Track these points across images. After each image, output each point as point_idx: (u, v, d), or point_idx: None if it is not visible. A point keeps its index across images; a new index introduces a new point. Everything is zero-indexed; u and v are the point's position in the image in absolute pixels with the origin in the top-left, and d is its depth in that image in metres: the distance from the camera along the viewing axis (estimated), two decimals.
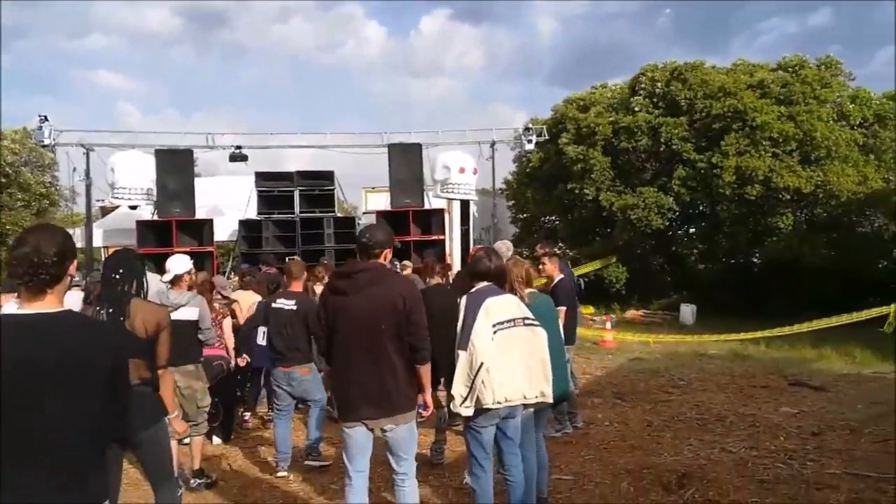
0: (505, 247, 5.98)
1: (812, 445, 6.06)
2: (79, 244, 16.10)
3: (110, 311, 3.35)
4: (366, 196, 17.51)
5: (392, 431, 3.51)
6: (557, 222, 23.61)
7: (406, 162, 13.02)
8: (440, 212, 13.04)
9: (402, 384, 3.49)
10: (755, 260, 20.57)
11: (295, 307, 5.38)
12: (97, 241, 14.58)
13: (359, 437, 3.55)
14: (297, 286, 5.64)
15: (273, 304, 5.51)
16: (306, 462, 5.43)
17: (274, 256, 10.67)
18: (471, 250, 9.86)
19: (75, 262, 2.05)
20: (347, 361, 3.51)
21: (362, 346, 3.46)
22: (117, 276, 3.48)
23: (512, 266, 4.36)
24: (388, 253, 3.67)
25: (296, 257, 9.09)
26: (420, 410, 3.65)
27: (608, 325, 14.24)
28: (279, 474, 5.32)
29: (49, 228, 2.03)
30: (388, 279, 3.58)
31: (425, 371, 3.56)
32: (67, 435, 1.84)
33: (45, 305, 1.92)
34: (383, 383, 3.45)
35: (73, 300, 4.04)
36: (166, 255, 5.75)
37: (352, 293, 3.49)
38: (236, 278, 9.08)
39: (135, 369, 2.75)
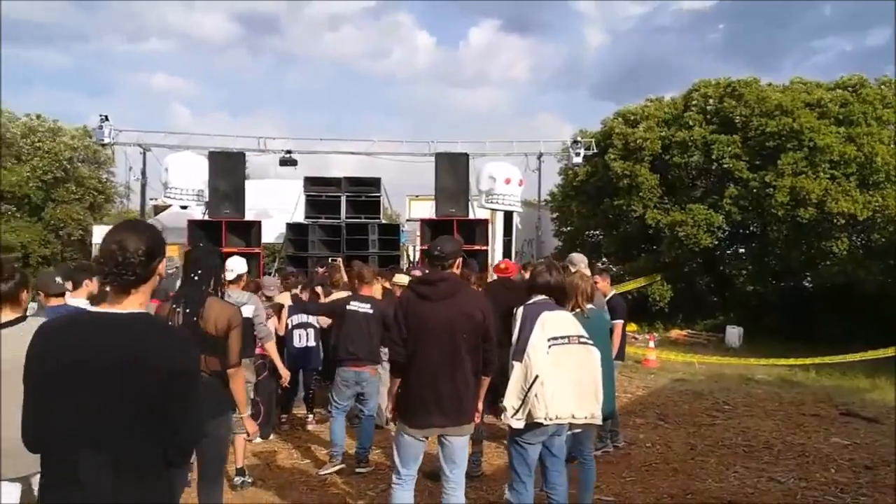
0: (579, 258, 6.00)
1: (865, 479, 5.85)
2: None
3: (187, 310, 3.42)
4: (409, 204, 17.61)
5: (454, 440, 3.58)
6: (602, 237, 23.30)
7: (452, 171, 13.05)
8: (484, 222, 13.01)
9: (471, 394, 3.58)
10: (807, 284, 19.93)
11: (371, 310, 5.61)
12: None
13: (416, 443, 3.64)
14: (368, 290, 5.84)
15: (349, 307, 5.68)
16: (357, 469, 5.58)
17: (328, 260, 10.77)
18: (496, 262, 9.86)
19: (164, 261, 1.99)
20: (424, 367, 3.55)
21: (441, 354, 3.51)
22: (196, 276, 3.55)
23: (578, 280, 4.35)
24: (458, 263, 3.78)
25: (338, 261, 9.16)
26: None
27: (651, 343, 13.98)
28: (330, 470, 5.52)
29: (137, 225, 1.97)
30: (466, 290, 3.68)
31: (486, 381, 3.68)
32: (121, 437, 1.78)
33: (126, 306, 1.88)
34: (457, 392, 3.52)
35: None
36: (222, 256, 5.95)
37: (434, 300, 3.58)
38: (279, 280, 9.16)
39: (204, 363, 2.78)
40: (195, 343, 2.10)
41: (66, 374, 1.80)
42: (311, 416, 7.24)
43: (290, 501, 5.02)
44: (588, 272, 5.39)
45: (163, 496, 1.88)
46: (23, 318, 3.29)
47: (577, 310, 4.25)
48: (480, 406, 3.72)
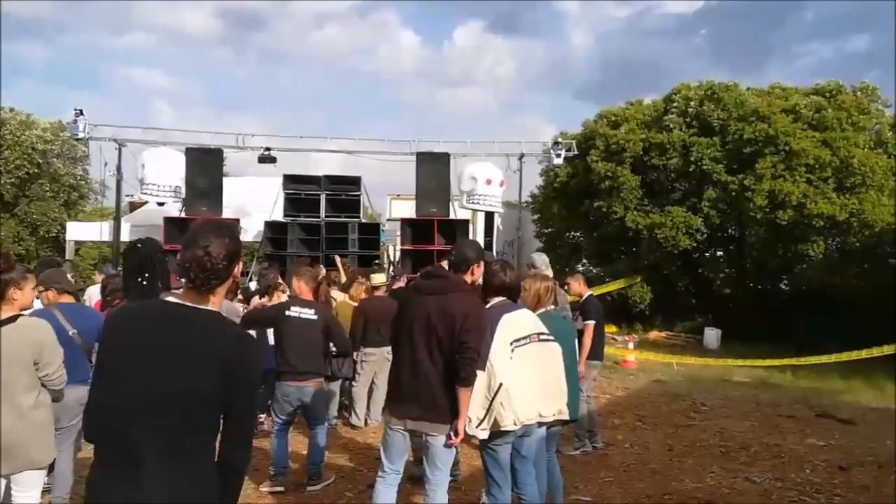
0: (540, 259, 5.68)
1: (839, 480, 5.90)
2: (106, 238, 16.38)
3: None
4: (390, 203, 17.52)
5: (433, 439, 3.51)
6: (582, 239, 23.41)
7: (433, 171, 12.98)
8: (465, 222, 12.97)
9: (446, 394, 3.46)
10: (783, 286, 20.18)
11: (315, 316, 5.07)
12: (125, 235, 14.72)
13: (399, 438, 3.62)
14: (309, 294, 5.27)
15: (287, 312, 5.08)
16: (308, 488, 5.07)
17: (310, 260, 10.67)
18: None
19: (242, 263, 2.02)
20: (404, 357, 3.58)
21: (419, 346, 3.49)
22: (145, 281, 3.39)
23: (532, 281, 4.29)
24: (476, 269, 3.75)
25: (343, 259, 9.04)
26: (450, 433, 3.48)
27: (631, 345, 14.04)
28: (269, 489, 4.99)
29: (221, 229, 1.95)
30: (459, 293, 3.56)
31: (464, 396, 3.42)
32: (175, 424, 1.80)
33: (203, 303, 1.91)
34: (429, 385, 3.46)
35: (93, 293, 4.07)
36: (167, 253, 5.71)
37: (424, 294, 3.60)
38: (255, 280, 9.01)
39: None
40: (255, 342, 2.12)
41: (132, 360, 1.84)
42: (262, 416, 6.97)
43: (265, 503, 4.92)
44: (549, 272, 5.28)
45: (209, 488, 1.87)
46: (14, 318, 3.20)
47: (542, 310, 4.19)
48: (461, 425, 3.44)
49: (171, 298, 1.95)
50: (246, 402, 1.93)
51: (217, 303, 1.95)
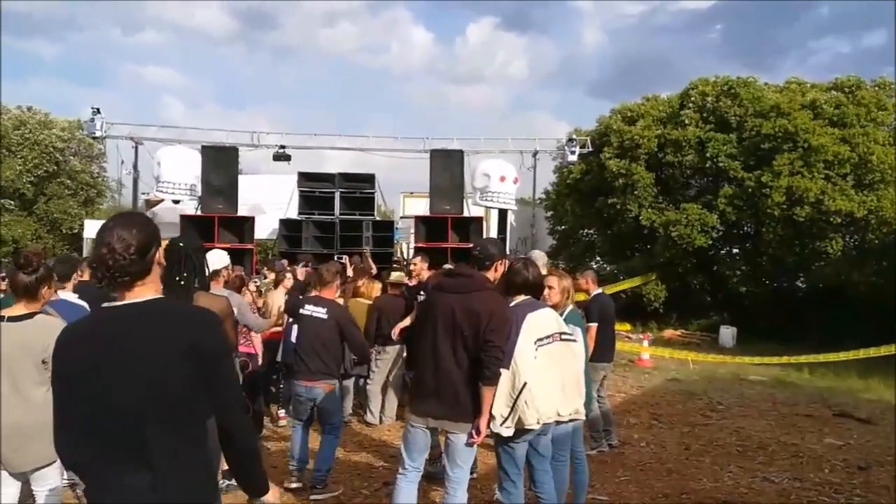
0: (538, 255, 5.61)
1: (859, 480, 5.83)
2: None
3: None
4: (403, 200, 17.56)
5: (455, 437, 3.51)
6: (596, 236, 23.28)
7: (447, 168, 13.00)
8: (478, 220, 12.97)
9: (470, 393, 3.47)
10: (800, 284, 19.96)
11: (326, 316, 4.95)
12: None
13: (421, 436, 3.63)
14: (327, 293, 5.19)
15: (302, 311, 5.05)
16: (312, 497, 4.93)
17: (312, 258, 10.71)
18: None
19: (161, 249, 1.91)
20: (427, 354, 3.58)
21: (442, 344, 3.50)
22: (182, 280, 3.37)
23: (559, 279, 4.32)
24: (499, 265, 3.76)
25: (366, 251, 9.06)
26: (472, 431, 3.50)
27: (645, 343, 13.96)
28: (291, 486, 5.00)
29: (124, 220, 1.86)
30: (484, 291, 3.56)
31: (488, 394, 3.43)
32: (140, 430, 1.73)
33: (137, 295, 1.83)
34: (452, 384, 3.46)
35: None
36: (207, 251, 5.80)
37: (447, 292, 3.60)
38: (271, 276, 9.03)
39: None
40: (220, 321, 2.02)
41: (89, 378, 1.75)
42: (282, 410, 7.00)
43: (284, 501, 4.94)
44: (544, 271, 5.25)
45: (204, 495, 1.85)
46: (31, 315, 3.24)
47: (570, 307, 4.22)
48: (483, 424, 3.45)
49: (108, 303, 1.87)
50: (220, 375, 1.84)
51: (157, 290, 1.87)
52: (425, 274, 6.78)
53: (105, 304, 1.87)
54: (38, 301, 3.30)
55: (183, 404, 1.77)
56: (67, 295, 4.33)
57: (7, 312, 3.21)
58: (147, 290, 1.84)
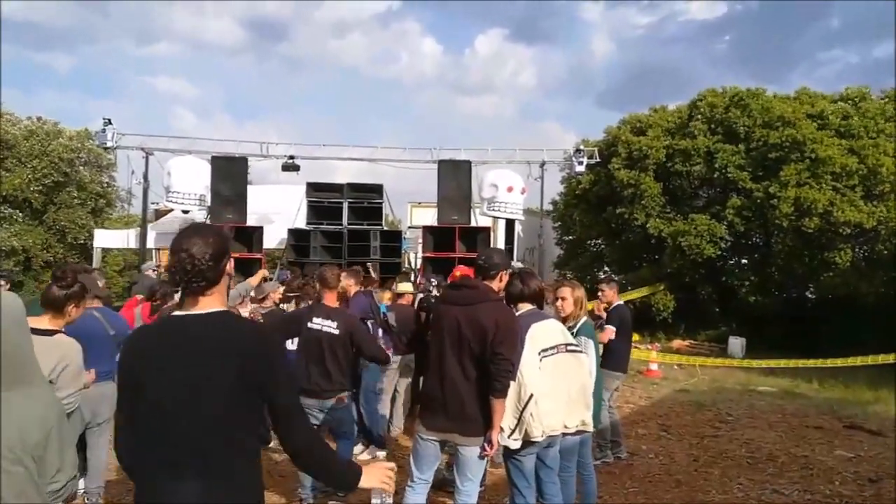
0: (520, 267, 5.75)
1: (869, 493, 5.78)
2: (132, 245, 16.62)
3: None
4: (411, 210, 17.60)
5: (465, 450, 3.50)
6: (604, 246, 23.25)
7: (455, 178, 13.04)
8: (486, 230, 13.00)
9: (479, 405, 3.44)
10: (809, 295, 19.87)
11: (337, 330, 4.64)
12: (150, 242, 14.97)
13: (430, 448, 3.60)
14: (329, 298, 4.84)
15: (310, 325, 4.68)
16: (330, 502, 4.93)
17: (299, 269, 10.75)
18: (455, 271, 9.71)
19: (232, 260, 2.01)
20: (435, 367, 3.57)
21: (449, 357, 3.49)
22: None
23: (572, 289, 4.33)
24: (503, 275, 3.75)
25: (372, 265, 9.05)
26: (484, 444, 3.48)
27: (654, 353, 13.91)
28: (302, 497, 4.91)
29: (202, 230, 1.97)
30: (490, 303, 3.55)
31: (499, 405, 3.40)
32: (199, 440, 1.80)
33: (204, 306, 1.91)
34: (459, 397, 3.44)
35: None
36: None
37: (452, 304, 3.59)
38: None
39: None
40: (272, 330, 2.15)
41: (154, 385, 1.83)
42: None
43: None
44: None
45: (251, 495, 1.91)
46: (52, 332, 3.24)
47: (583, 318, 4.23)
48: (495, 436, 3.43)
49: (176, 312, 1.96)
50: (282, 389, 1.91)
51: (222, 302, 1.95)
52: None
53: (175, 313, 1.95)
54: (63, 317, 3.31)
55: (241, 419, 1.85)
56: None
57: (32, 323, 3.22)
58: (215, 301, 1.93)
